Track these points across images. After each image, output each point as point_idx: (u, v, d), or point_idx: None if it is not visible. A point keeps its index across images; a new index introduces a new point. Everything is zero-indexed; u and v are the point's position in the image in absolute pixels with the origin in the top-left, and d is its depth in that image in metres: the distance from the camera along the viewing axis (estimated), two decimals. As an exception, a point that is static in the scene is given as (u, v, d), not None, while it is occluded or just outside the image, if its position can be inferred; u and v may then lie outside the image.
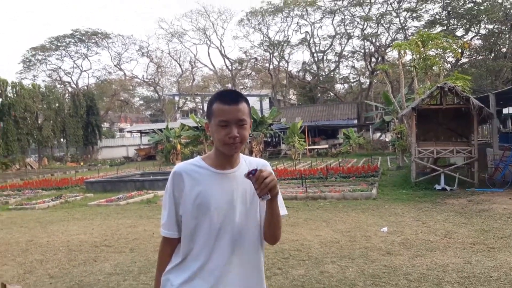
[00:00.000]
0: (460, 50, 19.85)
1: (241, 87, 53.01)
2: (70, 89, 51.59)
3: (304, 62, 51.54)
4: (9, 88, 35.54)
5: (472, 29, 39.48)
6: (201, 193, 1.90)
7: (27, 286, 5.58)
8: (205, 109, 2.11)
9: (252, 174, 1.83)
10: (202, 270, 1.91)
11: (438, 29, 37.47)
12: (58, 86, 50.85)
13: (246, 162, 2.03)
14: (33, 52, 50.58)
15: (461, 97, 12.39)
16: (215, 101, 1.94)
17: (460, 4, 38.33)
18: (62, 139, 41.89)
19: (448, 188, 11.76)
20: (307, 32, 48.62)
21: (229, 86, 49.19)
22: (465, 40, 28.77)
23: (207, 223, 1.91)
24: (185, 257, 1.94)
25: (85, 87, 52.51)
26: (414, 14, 42.04)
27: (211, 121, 1.95)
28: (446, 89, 12.42)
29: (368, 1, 43.52)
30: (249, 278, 1.98)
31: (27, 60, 51.15)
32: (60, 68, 53.06)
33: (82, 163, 38.62)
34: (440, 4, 39.58)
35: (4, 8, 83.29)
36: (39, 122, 38.32)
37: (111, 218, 10.21)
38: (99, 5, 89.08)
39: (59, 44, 50.69)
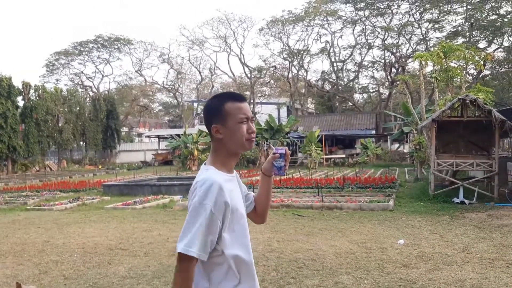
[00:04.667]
0: (482, 62, 19.52)
1: (259, 95, 53.10)
2: (91, 93, 52.43)
3: (323, 71, 51.48)
4: (32, 91, 36.24)
5: (495, 41, 38.94)
6: (236, 202, 1.90)
7: (42, 286, 5.62)
8: (207, 112, 2.01)
9: (283, 153, 2.03)
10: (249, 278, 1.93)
11: (460, 40, 37.08)
12: (80, 90, 51.68)
13: None
14: (57, 57, 51.59)
15: (482, 110, 12.18)
16: (225, 101, 1.96)
17: (484, 16, 37.85)
18: (81, 142, 42.50)
19: (466, 201, 11.54)
20: (327, 41, 48.59)
21: (248, 93, 49.30)
22: (488, 52, 28.33)
23: (242, 230, 1.93)
24: (228, 274, 1.88)
25: (106, 92, 53.22)
26: (436, 25, 41.69)
27: (226, 122, 1.94)
28: (467, 101, 12.23)
29: (390, 11, 43.34)
30: None
31: (51, 64, 52.17)
32: (82, 72, 54.04)
33: (100, 166, 39.07)
34: (463, 16, 39.18)
35: (29, 12, 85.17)
36: (60, 125, 38.95)
37: (127, 221, 10.27)
38: (122, 11, 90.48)
39: (82, 49, 51.63)
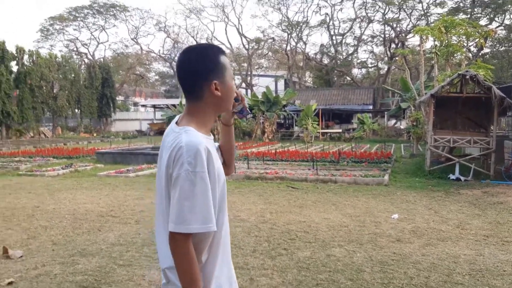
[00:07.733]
0: (483, 39, 19.21)
1: (256, 67, 52.50)
2: (86, 60, 51.67)
3: (322, 45, 50.84)
4: (26, 56, 35.62)
5: (496, 19, 38.42)
6: (218, 166, 1.70)
7: (29, 251, 5.53)
8: (202, 66, 1.71)
9: (237, 97, 1.86)
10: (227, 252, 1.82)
11: (461, 17, 36.54)
12: (75, 56, 50.95)
13: None
14: (51, 22, 50.58)
15: (482, 86, 12.01)
16: (220, 54, 1.76)
17: (486, -8, 37.24)
18: (76, 110, 42.11)
19: (462, 178, 11.49)
20: (326, 14, 47.89)
21: (245, 65, 48.72)
22: (489, 28, 27.97)
23: (223, 197, 1.74)
24: (217, 247, 1.72)
25: (101, 59, 52.41)
26: (437, 0, 41.03)
27: (224, 78, 1.73)
28: (467, 77, 12.03)
29: (392, -15, 42.54)
30: None
31: (45, 29, 51.20)
32: (77, 39, 53.14)
33: (95, 134, 38.87)
34: (466, -9, 38.55)
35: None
36: (55, 91, 38.47)
37: (119, 189, 10.17)
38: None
39: (77, 14, 50.63)
